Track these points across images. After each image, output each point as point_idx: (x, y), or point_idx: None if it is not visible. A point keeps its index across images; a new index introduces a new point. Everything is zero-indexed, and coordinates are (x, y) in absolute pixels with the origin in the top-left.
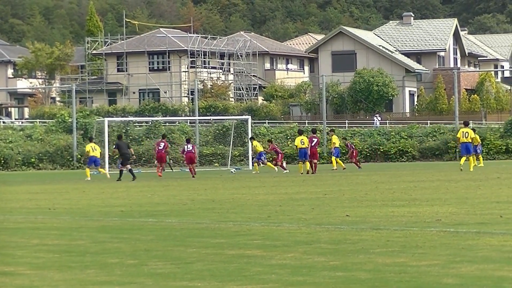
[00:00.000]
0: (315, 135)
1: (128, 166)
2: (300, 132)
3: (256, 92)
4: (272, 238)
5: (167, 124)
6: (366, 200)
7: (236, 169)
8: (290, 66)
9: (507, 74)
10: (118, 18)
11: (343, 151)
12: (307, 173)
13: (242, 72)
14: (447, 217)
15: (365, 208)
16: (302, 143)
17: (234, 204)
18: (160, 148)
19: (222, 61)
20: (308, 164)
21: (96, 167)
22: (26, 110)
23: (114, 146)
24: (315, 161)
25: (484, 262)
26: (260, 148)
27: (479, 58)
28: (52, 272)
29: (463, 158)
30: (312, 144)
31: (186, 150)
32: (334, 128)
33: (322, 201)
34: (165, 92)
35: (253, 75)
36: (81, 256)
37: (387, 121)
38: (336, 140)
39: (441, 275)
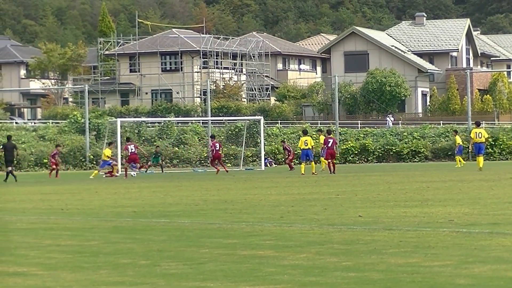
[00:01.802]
0: (331, 136)
1: (9, 168)
2: (305, 132)
3: (268, 92)
4: (284, 238)
5: (180, 124)
6: (378, 201)
7: (248, 169)
8: (302, 66)
9: None
10: (130, 18)
11: (281, 152)
12: (302, 174)
13: (254, 72)
14: (460, 218)
15: (378, 209)
16: (306, 144)
17: (246, 205)
18: (217, 148)
19: (235, 61)
20: (303, 165)
21: None
22: (39, 110)
23: (1, 147)
24: (333, 161)
25: (496, 263)
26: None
27: (491, 58)
28: (64, 273)
29: (480, 158)
30: (329, 145)
31: (130, 151)
32: (322, 128)
33: (335, 202)
34: (177, 93)
35: (266, 76)
36: (93, 256)
37: (400, 122)
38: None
39: (454, 275)
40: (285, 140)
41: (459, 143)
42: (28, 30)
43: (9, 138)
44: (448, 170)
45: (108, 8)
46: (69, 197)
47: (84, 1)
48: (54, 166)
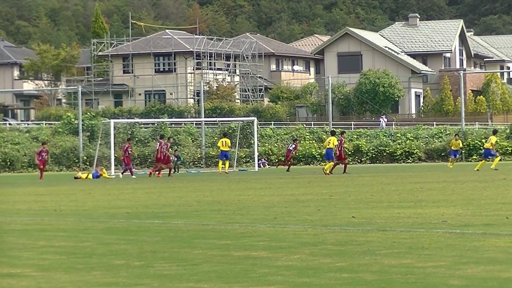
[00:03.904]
0: (339, 136)
1: None
2: (332, 133)
3: (262, 93)
4: (278, 239)
5: (173, 125)
6: (372, 202)
7: (241, 170)
8: (296, 67)
9: None
10: (124, 19)
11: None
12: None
13: (248, 73)
14: (453, 219)
15: (371, 210)
16: (328, 143)
17: (240, 206)
18: (292, 148)
19: (228, 62)
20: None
21: None
22: (32, 111)
23: None
24: (337, 162)
25: (490, 264)
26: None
27: (485, 59)
28: (58, 274)
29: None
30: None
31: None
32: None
33: (328, 203)
34: (171, 94)
35: (259, 77)
36: (87, 257)
37: (393, 123)
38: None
39: (447, 276)
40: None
41: (460, 147)
42: (21, 31)
43: None
44: (441, 171)
45: (101, 9)
46: (62, 198)
47: (77, 2)
48: (42, 166)
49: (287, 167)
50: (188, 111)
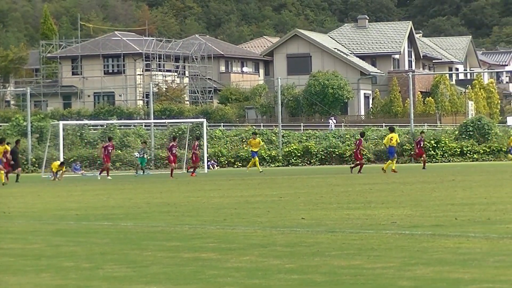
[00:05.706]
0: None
1: None
2: (391, 129)
3: (211, 95)
4: (227, 241)
5: (122, 127)
6: (321, 203)
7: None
8: (245, 69)
9: (461, 76)
10: (72, 21)
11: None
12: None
13: (197, 75)
14: (402, 220)
15: (321, 211)
16: (391, 140)
17: (189, 207)
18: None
19: (177, 64)
20: (392, 162)
21: None
22: None
23: None
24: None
25: (439, 264)
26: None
27: (433, 61)
28: (7, 276)
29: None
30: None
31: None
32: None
33: (278, 204)
34: (120, 96)
35: (208, 78)
36: (36, 259)
37: (342, 124)
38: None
39: (396, 277)
40: (146, 141)
41: None
42: None
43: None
44: (390, 172)
45: (50, 10)
46: (11, 200)
47: (26, 3)
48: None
49: (423, 164)
50: (137, 113)
